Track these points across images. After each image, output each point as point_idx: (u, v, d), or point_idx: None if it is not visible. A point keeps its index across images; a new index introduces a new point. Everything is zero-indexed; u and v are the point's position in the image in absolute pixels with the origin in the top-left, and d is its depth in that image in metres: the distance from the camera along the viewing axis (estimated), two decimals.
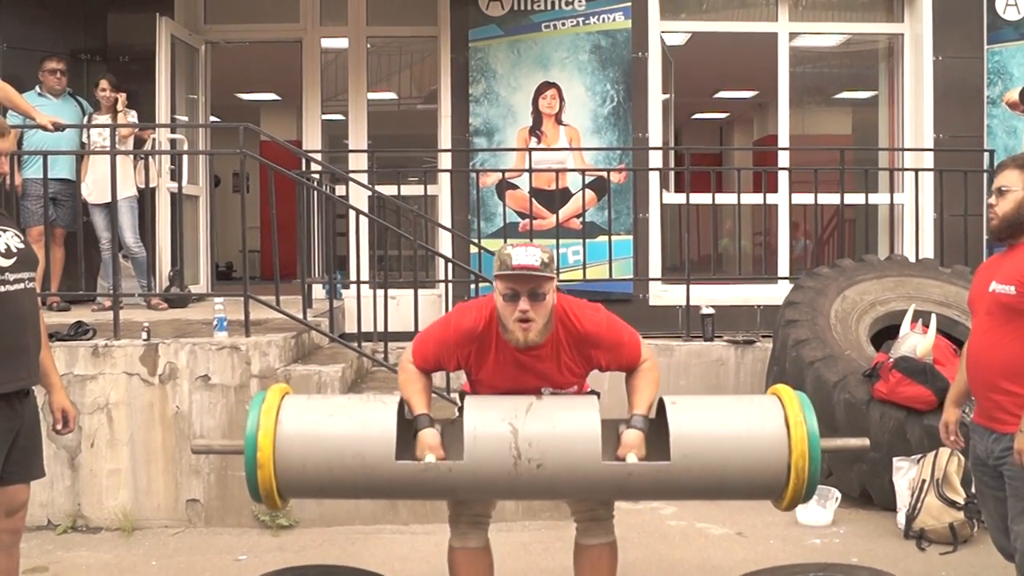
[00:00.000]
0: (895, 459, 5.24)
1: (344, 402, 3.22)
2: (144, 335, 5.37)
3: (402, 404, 3.10)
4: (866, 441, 3.25)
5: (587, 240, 7.37)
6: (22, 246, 3.32)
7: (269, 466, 2.85)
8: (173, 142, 7.60)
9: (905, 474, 5.18)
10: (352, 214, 6.35)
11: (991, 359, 3.27)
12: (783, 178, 7.82)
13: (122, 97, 6.83)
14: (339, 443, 2.91)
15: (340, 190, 7.84)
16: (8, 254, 3.23)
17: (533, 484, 2.91)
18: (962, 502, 4.92)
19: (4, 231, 3.28)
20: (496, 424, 2.98)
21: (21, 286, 3.26)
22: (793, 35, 8.36)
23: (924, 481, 5.01)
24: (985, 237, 7.31)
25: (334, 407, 3.08)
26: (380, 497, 3.00)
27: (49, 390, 3.56)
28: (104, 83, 6.87)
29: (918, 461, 5.14)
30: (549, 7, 7.71)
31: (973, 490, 4.46)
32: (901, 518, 5.12)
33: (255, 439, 2.85)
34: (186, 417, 5.32)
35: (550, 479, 2.90)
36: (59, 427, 3.57)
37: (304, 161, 7.12)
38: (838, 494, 5.40)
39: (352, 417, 2.98)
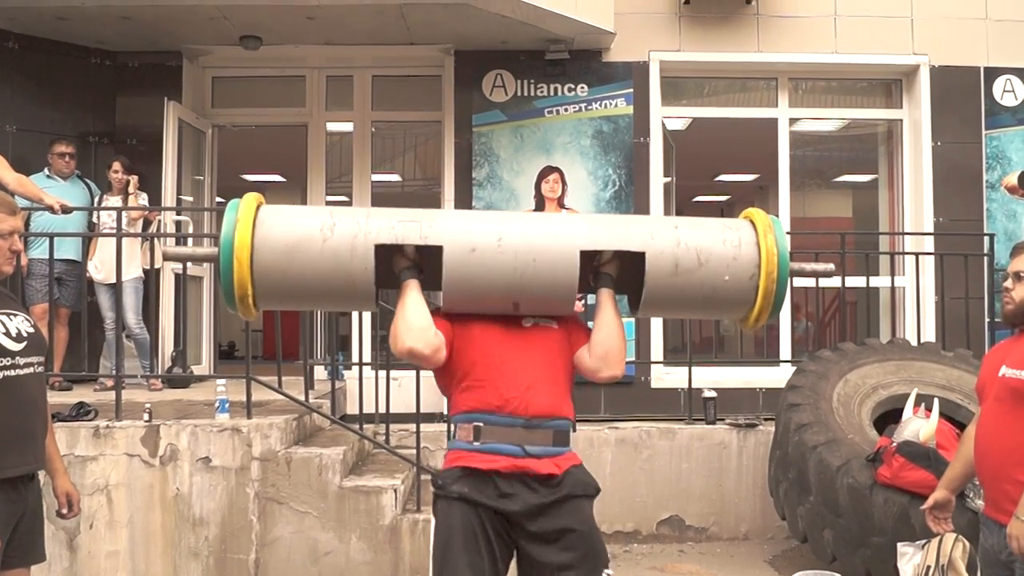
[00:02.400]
0: (899, 545, 5.17)
1: (320, 207, 3.28)
2: (146, 416, 5.35)
3: None
4: (831, 266, 3.29)
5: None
6: (32, 330, 3.32)
7: (246, 268, 2.82)
8: (179, 224, 7.68)
9: (910, 560, 5.11)
10: None
11: (1000, 446, 3.17)
12: None
13: (134, 179, 6.94)
14: (315, 230, 2.87)
15: None
16: (19, 338, 3.23)
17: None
18: None
19: (15, 315, 3.29)
20: None
21: (31, 370, 3.26)
22: (793, 120, 8.50)
23: (929, 567, 4.94)
24: (987, 320, 7.34)
25: (310, 210, 3.07)
26: (360, 293, 2.93)
27: (52, 475, 3.54)
28: (117, 164, 6.99)
29: (923, 547, 5.07)
30: (552, 93, 7.86)
31: None
32: None
33: (231, 245, 2.79)
34: (186, 499, 5.28)
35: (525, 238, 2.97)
36: (64, 511, 3.56)
37: None
38: None
39: (330, 214, 2.95)
